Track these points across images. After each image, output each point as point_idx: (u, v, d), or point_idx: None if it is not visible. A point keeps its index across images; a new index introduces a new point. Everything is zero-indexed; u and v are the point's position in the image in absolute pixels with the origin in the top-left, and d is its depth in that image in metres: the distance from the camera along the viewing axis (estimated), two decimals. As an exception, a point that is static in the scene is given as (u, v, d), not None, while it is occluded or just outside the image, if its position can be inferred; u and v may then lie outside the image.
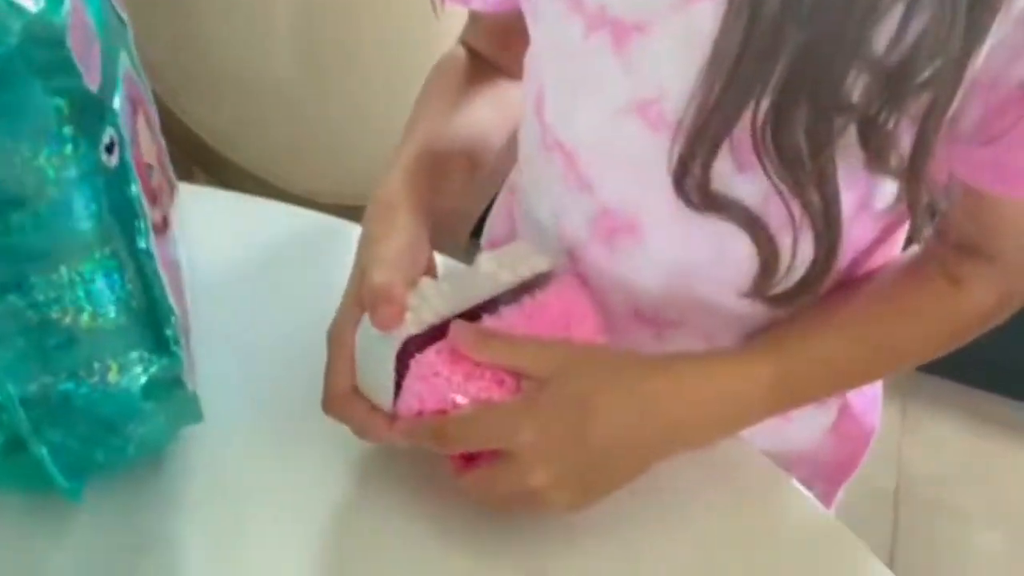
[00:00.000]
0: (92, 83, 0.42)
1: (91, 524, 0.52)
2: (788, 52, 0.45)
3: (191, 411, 0.51)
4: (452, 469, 0.53)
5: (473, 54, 0.73)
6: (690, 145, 0.50)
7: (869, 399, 0.73)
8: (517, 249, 0.59)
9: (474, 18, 0.73)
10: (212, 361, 0.57)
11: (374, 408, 0.53)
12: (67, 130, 0.41)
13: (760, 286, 0.55)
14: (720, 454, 0.57)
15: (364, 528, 0.56)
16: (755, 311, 0.59)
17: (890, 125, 0.47)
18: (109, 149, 0.43)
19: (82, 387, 0.45)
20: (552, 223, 0.66)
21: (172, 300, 0.47)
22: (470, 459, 0.52)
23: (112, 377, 0.45)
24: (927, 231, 0.55)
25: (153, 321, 0.46)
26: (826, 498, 0.71)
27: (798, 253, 0.53)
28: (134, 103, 0.49)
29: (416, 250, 0.55)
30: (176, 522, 0.54)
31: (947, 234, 0.57)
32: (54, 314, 0.43)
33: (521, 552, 0.54)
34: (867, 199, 0.55)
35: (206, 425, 0.53)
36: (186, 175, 0.71)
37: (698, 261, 0.60)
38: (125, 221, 0.44)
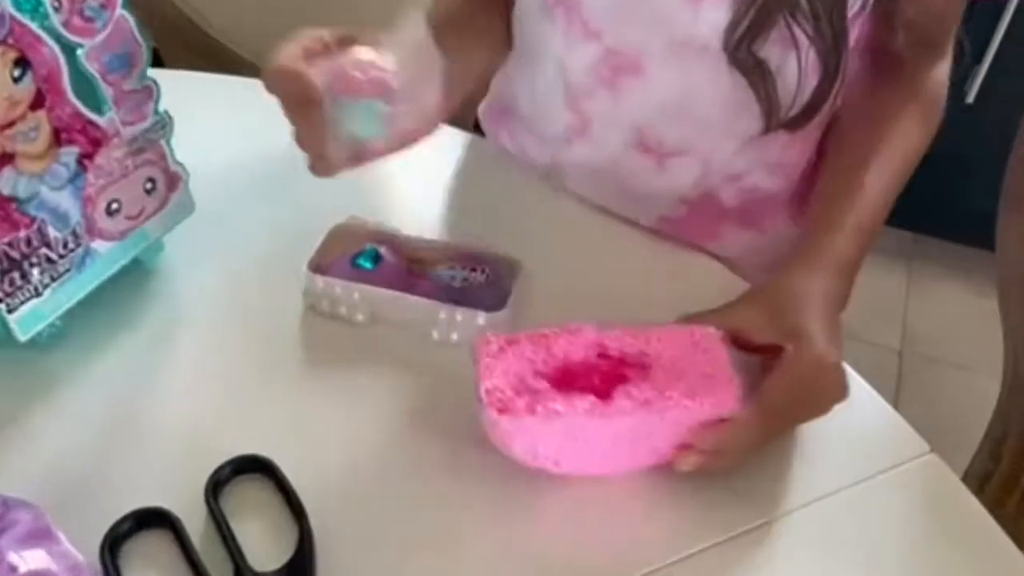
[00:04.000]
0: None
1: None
2: None
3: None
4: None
5: None
6: (754, 16, 0.63)
7: None
8: None
9: None
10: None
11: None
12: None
13: (767, 125, 0.68)
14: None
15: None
16: (751, 129, 0.69)
17: None
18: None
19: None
20: (556, 80, 0.73)
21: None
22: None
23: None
24: (900, 39, 0.70)
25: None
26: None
27: (799, 92, 0.66)
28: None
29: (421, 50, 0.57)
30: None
31: (911, 38, 0.71)
32: None
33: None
34: (859, 36, 0.68)
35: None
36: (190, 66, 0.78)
37: (697, 92, 0.69)
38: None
